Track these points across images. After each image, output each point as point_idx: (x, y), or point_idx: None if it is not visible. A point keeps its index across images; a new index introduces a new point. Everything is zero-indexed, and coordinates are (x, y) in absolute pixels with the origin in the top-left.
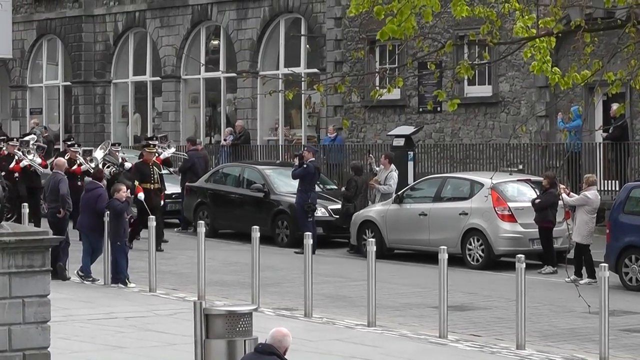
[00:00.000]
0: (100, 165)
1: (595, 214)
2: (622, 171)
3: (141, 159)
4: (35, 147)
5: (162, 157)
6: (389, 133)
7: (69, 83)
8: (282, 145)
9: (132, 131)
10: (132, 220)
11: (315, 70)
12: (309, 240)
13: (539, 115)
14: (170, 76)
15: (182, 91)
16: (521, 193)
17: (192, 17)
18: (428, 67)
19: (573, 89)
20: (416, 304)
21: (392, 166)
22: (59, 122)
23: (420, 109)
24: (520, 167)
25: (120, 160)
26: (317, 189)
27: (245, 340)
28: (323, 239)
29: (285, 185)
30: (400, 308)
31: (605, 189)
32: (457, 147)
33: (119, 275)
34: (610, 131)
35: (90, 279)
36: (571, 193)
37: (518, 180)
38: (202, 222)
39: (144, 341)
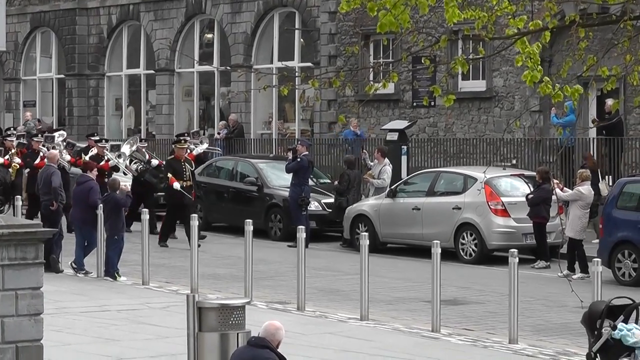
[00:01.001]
0: (127, 162)
1: (589, 209)
2: (616, 167)
3: (172, 155)
4: (64, 143)
5: (194, 153)
6: (383, 127)
7: (62, 76)
8: (275, 139)
9: (125, 124)
10: (126, 213)
11: (309, 64)
12: (302, 234)
13: (532, 110)
14: (164, 69)
15: (175, 84)
16: (514, 188)
17: (186, 10)
18: (422, 61)
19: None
20: (409, 298)
21: (386, 160)
22: (53, 115)
23: (414, 104)
24: (514, 162)
25: (147, 157)
26: (311, 182)
27: (238, 334)
28: (316, 232)
29: (278, 179)
30: (393, 302)
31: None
32: (451, 141)
33: (109, 269)
34: (603, 132)
35: (83, 272)
36: (565, 188)
37: (511, 175)
38: (195, 215)
39: (136, 334)
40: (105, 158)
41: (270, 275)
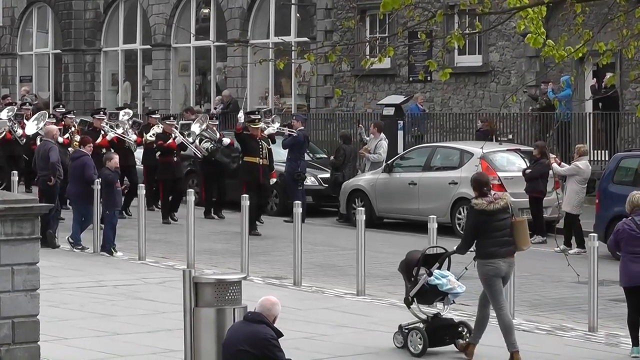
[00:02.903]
0: (197, 141)
1: (586, 184)
2: (612, 141)
3: (244, 131)
4: (130, 122)
5: (265, 133)
6: (379, 102)
7: (59, 51)
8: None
9: (122, 99)
10: (126, 190)
11: (306, 39)
12: (298, 209)
13: (528, 85)
14: (160, 44)
15: (172, 59)
16: (510, 163)
17: None
18: (418, 36)
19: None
20: None
21: (382, 135)
22: (49, 90)
23: (411, 78)
24: (510, 136)
25: (218, 135)
26: (307, 157)
27: (234, 309)
28: (312, 207)
29: (274, 154)
30: (389, 277)
31: (595, 159)
32: (447, 116)
33: (105, 245)
34: (600, 106)
35: (80, 247)
36: (562, 163)
37: (507, 150)
38: (192, 190)
39: (133, 309)
40: (173, 136)
41: (267, 250)
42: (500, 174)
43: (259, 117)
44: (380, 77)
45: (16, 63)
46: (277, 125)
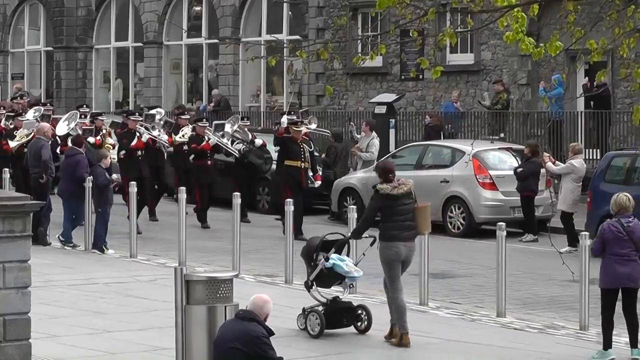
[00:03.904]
0: (229, 143)
1: (581, 182)
2: (604, 140)
3: (285, 134)
4: (162, 122)
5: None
6: (371, 100)
7: (50, 48)
8: (263, 112)
9: (113, 97)
10: (117, 188)
11: (298, 37)
12: (289, 207)
13: (520, 84)
14: (152, 42)
15: (164, 57)
16: (502, 161)
17: None
18: (410, 34)
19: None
20: None
21: (374, 133)
22: (41, 88)
23: (402, 77)
24: (502, 135)
25: (250, 136)
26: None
27: (225, 307)
28: (304, 205)
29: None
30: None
31: (587, 157)
32: (439, 114)
33: (96, 242)
34: (591, 105)
35: (71, 245)
36: (556, 162)
37: (499, 148)
38: (184, 188)
39: (124, 307)
40: (207, 138)
41: (258, 248)
42: (492, 173)
43: (302, 119)
44: (372, 75)
45: (8, 60)
46: (314, 126)
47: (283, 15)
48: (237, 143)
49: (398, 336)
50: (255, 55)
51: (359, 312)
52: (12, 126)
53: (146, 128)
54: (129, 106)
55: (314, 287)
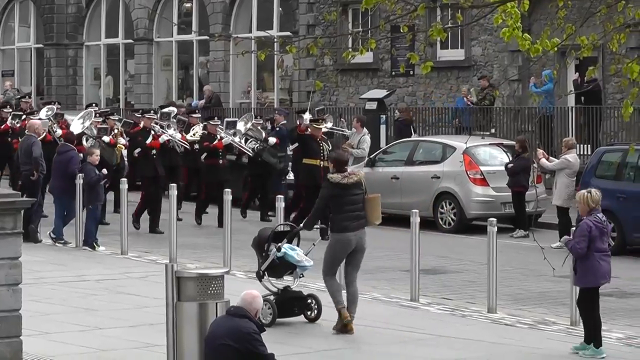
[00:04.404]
0: (243, 141)
1: (575, 177)
2: (594, 135)
3: (304, 132)
4: (175, 120)
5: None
6: (362, 96)
7: (41, 45)
8: (254, 108)
9: (104, 94)
10: (107, 185)
11: (288, 33)
12: (280, 204)
13: (511, 80)
14: (142, 39)
15: (154, 54)
16: (493, 157)
17: None
18: (401, 30)
19: (544, 55)
20: (388, 267)
21: (365, 130)
22: (31, 85)
23: (393, 72)
24: (492, 130)
25: (263, 134)
26: (289, 152)
27: (216, 303)
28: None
29: None
30: (372, 271)
31: (577, 153)
32: (430, 110)
33: (87, 239)
34: (582, 101)
35: (62, 242)
36: (550, 157)
37: (490, 144)
38: (174, 184)
39: (115, 304)
40: (218, 137)
41: (249, 245)
42: (483, 168)
43: (323, 117)
44: (362, 71)
45: None
46: (329, 124)
47: (273, 11)
48: (251, 141)
49: (342, 320)
50: (245, 50)
51: (309, 301)
52: (18, 125)
53: (161, 126)
54: (120, 103)
55: (265, 277)
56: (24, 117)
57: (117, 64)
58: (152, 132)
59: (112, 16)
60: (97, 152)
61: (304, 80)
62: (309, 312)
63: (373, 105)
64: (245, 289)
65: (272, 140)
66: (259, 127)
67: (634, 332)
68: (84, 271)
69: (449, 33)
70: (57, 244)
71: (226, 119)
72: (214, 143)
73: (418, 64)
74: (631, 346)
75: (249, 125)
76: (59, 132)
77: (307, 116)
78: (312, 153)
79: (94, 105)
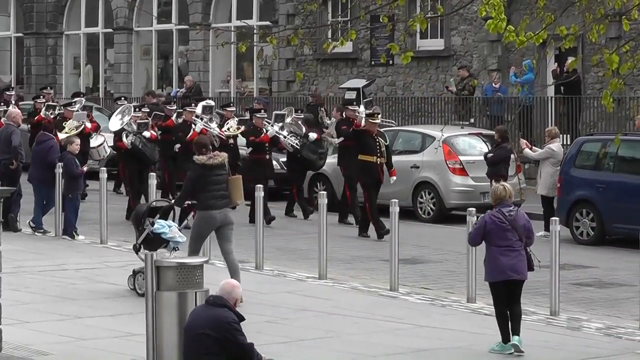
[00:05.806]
0: (282, 137)
1: (559, 166)
2: (574, 125)
3: (363, 128)
4: (216, 114)
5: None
6: (341, 86)
7: (20, 34)
8: (234, 98)
9: (84, 83)
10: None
11: (268, 23)
12: (260, 193)
13: (490, 69)
14: (122, 28)
15: (134, 43)
16: (472, 146)
17: None
18: (381, 20)
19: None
20: (367, 257)
21: None
22: (11, 74)
23: (373, 62)
24: (472, 120)
25: (304, 129)
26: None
27: (196, 292)
28: (274, 191)
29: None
30: (351, 261)
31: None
32: (409, 100)
33: (67, 228)
34: (562, 91)
35: (42, 231)
36: (534, 147)
37: (469, 133)
38: (154, 174)
39: (94, 293)
40: (264, 130)
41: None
42: (462, 158)
43: (379, 111)
44: (342, 60)
45: None
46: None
47: (253, 1)
48: (290, 137)
49: None
50: (225, 40)
51: None
52: (52, 116)
53: (201, 119)
54: (99, 92)
55: (141, 250)
56: (58, 109)
57: (97, 53)
58: (193, 126)
59: (91, 5)
60: (77, 141)
61: (284, 69)
62: None
63: (352, 95)
64: (225, 278)
65: (313, 135)
66: (299, 122)
67: (613, 322)
68: (63, 260)
69: (429, 23)
70: (36, 233)
71: (274, 112)
72: (261, 137)
73: (398, 54)
74: (611, 336)
75: (288, 119)
76: (89, 125)
77: (362, 109)
78: (368, 149)
79: (82, 95)
